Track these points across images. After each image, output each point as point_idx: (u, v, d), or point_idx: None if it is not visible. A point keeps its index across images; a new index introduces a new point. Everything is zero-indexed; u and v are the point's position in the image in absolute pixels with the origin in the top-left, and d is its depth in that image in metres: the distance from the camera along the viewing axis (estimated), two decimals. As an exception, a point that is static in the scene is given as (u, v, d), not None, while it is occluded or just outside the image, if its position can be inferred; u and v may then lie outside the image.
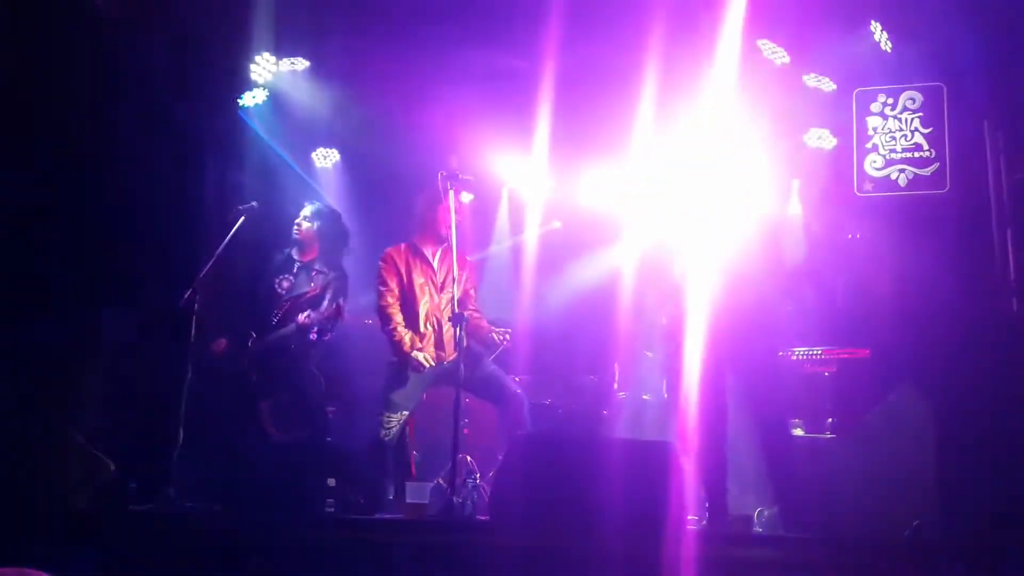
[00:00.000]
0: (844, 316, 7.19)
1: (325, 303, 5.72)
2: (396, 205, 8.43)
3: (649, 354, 6.96)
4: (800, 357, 6.56)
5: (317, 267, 5.83)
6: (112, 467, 5.23)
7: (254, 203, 6.12)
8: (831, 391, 6.31)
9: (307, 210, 5.88)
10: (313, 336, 5.67)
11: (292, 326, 5.60)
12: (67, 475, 4.92)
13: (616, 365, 7.23)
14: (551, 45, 6.77)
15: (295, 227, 5.82)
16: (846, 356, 6.49)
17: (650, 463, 4.13)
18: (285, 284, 5.80)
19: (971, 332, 4.98)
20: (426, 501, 4.43)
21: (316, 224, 5.82)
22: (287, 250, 5.88)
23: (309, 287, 5.78)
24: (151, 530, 4.30)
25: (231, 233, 6.05)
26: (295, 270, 5.82)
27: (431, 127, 7.50)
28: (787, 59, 6.73)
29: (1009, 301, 5.53)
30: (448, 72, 7.28)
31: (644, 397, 6.84)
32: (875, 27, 6.30)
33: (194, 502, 5.45)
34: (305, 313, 5.59)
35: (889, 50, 6.34)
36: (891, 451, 3.87)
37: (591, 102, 7.17)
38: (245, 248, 6.42)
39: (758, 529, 4.87)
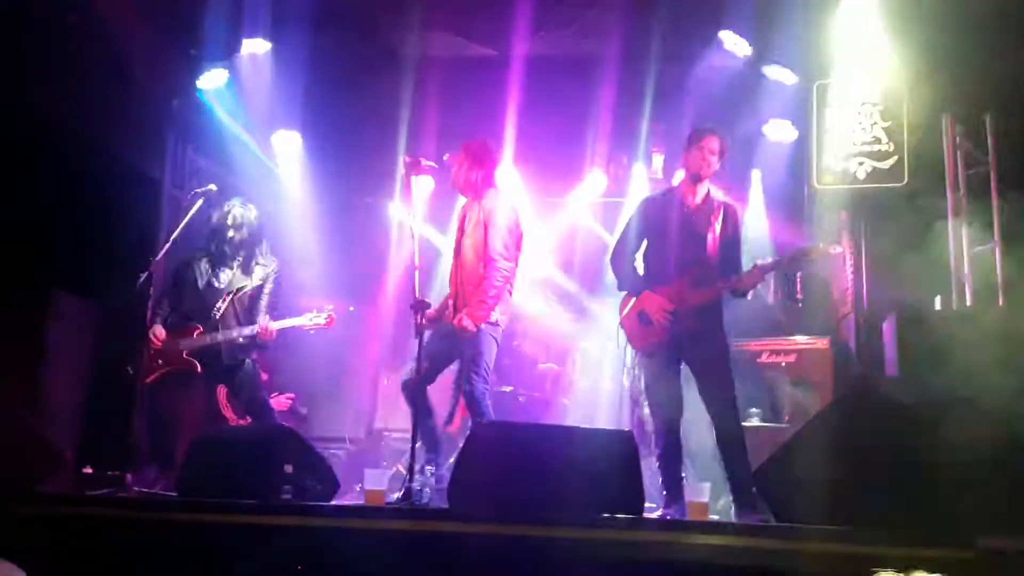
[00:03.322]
0: (802, 307, 7.28)
1: (267, 302, 5.69)
2: (357, 187, 8.45)
3: (609, 343, 6.99)
4: (760, 348, 6.63)
5: (255, 258, 5.78)
6: (67, 452, 5.17)
7: (212, 186, 6.06)
8: (789, 381, 6.38)
9: (238, 201, 5.83)
10: (272, 337, 5.62)
11: (252, 326, 5.54)
12: (22, 461, 4.84)
13: (577, 354, 7.26)
14: (518, 33, 6.76)
15: (230, 218, 5.75)
16: (804, 346, 6.57)
17: (608, 452, 4.15)
18: (223, 277, 5.73)
19: (925, 324, 5.05)
20: (384, 488, 4.41)
21: (252, 214, 5.79)
22: (221, 241, 5.79)
23: (249, 279, 5.74)
24: (106, 516, 4.24)
25: (188, 216, 6.00)
26: (232, 262, 5.75)
27: (395, 111, 7.46)
28: (749, 51, 6.76)
29: (963, 294, 5.63)
30: (413, 56, 7.25)
31: (604, 386, 6.87)
32: (836, 20, 6.34)
33: (150, 487, 5.41)
34: (279, 323, 5.56)
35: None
36: (846, 440, 3.91)
37: (555, 91, 7.16)
38: (202, 232, 6.37)
39: (714, 516, 4.93)
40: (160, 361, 5.59)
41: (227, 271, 5.75)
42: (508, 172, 8.08)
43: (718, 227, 4.93)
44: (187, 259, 5.87)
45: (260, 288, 5.74)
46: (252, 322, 5.62)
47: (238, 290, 5.70)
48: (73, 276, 5.79)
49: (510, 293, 5.26)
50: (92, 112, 6.07)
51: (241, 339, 5.59)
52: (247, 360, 5.74)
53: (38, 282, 5.52)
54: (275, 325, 5.56)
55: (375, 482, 4.38)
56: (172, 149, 7.09)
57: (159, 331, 5.63)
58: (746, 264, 4.98)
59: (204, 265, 5.75)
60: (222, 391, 5.67)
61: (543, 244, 8.08)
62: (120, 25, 6.14)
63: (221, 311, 5.67)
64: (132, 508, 4.40)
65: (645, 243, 5.06)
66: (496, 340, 5.16)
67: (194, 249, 5.92)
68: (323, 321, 5.57)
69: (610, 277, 5.33)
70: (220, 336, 5.57)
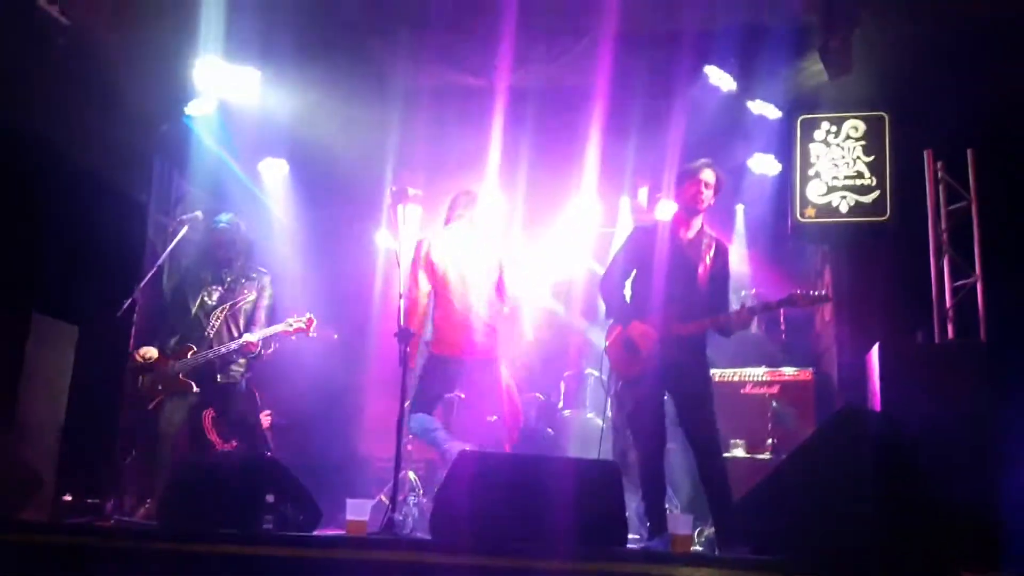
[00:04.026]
0: (785, 338, 7.32)
1: (263, 315, 5.72)
2: (344, 215, 8.46)
3: (595, 373, 7.00)
4: (743, 379, 6.65)
5: (247, 272, 5.79)
6: (45, 478, 5.12)
7: (198, 213, 6.07)
8: (772, 412, 6.40)
9: (224, 218, 5.85)
10: (256, 349, 5.62)
11: (238, 340, 5.55)
12: (3, 487, 4.80)
13: (562, 383, 7.26)
14: (507, 64, 6.81)
15: (219, 234, 5.77)
16: (788, 378, 6.60)
17: (592, 482, 4.15)
18: (215, 295, 5.73)
19: (908, 356, 5.08)
20: (366, 518, 4.39)
21: (237, 231, 5.81)
22: (211, 259, 5.81)
23: (242, 294, 5.74)
24: (84, 544, 4.19)
25: (173, 243, 6.00)
26: (225, 280, 5.76)
27: (382, 140, 7.49)
28: (733, 85, 6.83)
29: (945, 327, 5.67)
30: (402, 85, 7.29)
31: (588, 416, 6.87)
32: (818, 57, 6.42)
33: (129, 515, 5.36)
34: (258, 333, 5.57)
35: (828, 80, 6.47)
36: (828, 473, 3.93)
37: (542, 123, 7.22)
38: (188, 258, 6.37)
39: (698, 548, 4.92)
40: (160, 387, 5.58)
41: (219, 288, 5.75)
42: (493, 202, 8.11)
43: (709, 262, 4.93)
44: (179, 283, 5.87)
45: (256, 302, 5.75)
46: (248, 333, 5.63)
47: (231, 305, 5.70)
48: (55, 300, 5.75)
49: (429, 321, 5.42)
50: (79, 135, 6.06)
51: (233, 354, 5.59)
52: (242, 382, 5.72)
53: (19, 305, 5.48)
54: (254, 336, 5.55)
55: (357, 512, 4.36)
56: (159, 175, 7.09)
57: (149, 351, 5.61)
58: (731, 299, 5.00)
59: (196, 286, 5.75)
60: (208, 415, 5.65)
61: (531, 272, 8.10)
62: (109, 49, 6.15)
63: (215, 328, 5.66)
64: (111, 537, 4.35)
65: (635, 272, 5.07)
66: (423, 371, 5.37)
67: (185, 271, 5.93)
68: (303, 324, 5.59)
69: (602, 305, 5.35)
70: (211, 353, 5.56)
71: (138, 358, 5.61)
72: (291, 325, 5.57)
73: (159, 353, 5.65)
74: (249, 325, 5.69)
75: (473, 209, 5.61)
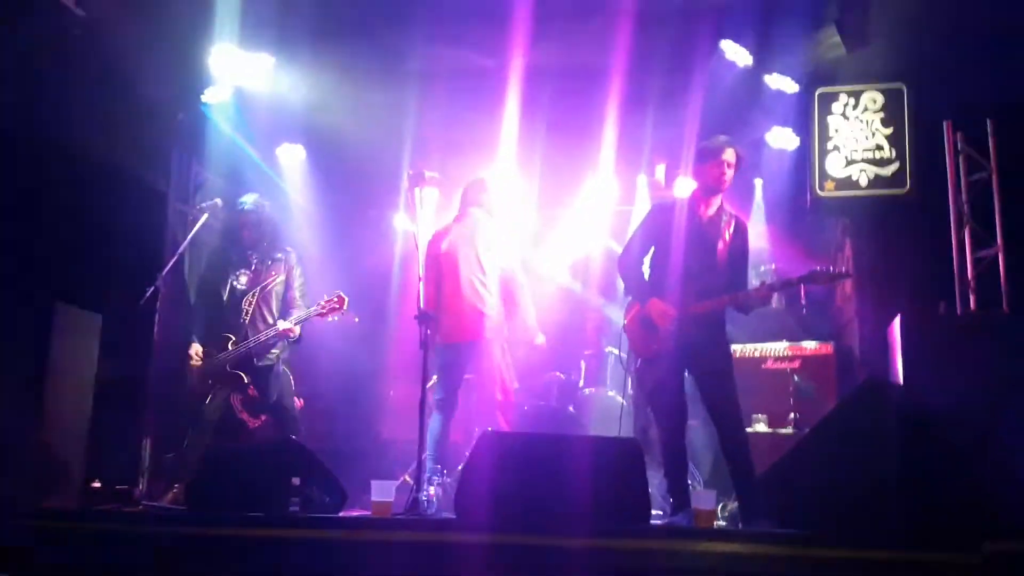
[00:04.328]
0: (806, 312, 7.29)
1: (297, 295, 5.76)
2: (362, 199, 8.49)
3: (614, 351, 7.00)
4: (764, 354, 6.64)
5: (273, 252, 5.82)
6: (73, 467, 5.20)
7: (218, 200, 6.10)
8: (794, 386, 6.38)
9: (249, 199, 5.86)
10: (294, 335, 5.66)
11: (275, 328, 5.58)
12: (32, 475, 4.87)
13: (583, 362, 7.27)
14: (522, 45, 6.79)
15: (243, 218, 5.79)
16: (809, 352, 6.58)
17: (615, 460, 4.17)
18: (244, 279, 5.75)
19: (930, 328, 5.05)
20: (391, 499, 4.43)
21: (263, 211, 5.83)
22: (237, 242, 5.85)
23: (271, 275, 5.76)
24: (113, 530, 4.26)
25: (194, 230, 6.03)
26: (252, 262, 5.78)
27: (399, 123, 7.49)
28: (750, 60, 6.78)
29: (967, 299, 5.64)
30: (417, 69, 7.28)
31: (609, 394, 6.88)
32: (835, 29, 6.36)
33: (159, 501, 5.43)
34: (294, 318, 5.60)
35: (846, 53, 6.41)
36: (850, 446, 3.93)
37: (558, 103, 7.20)
38: (209, 246, 6.39)
39: (721, 523, 4.94)
40: (210, 381, 5.65)
41: (247, 272, 5.76)
42: (508, 185, 8.12)
43: (728, 239, 4.92)
44: (206, 272, 5.91)
45: (287, 282, 5.78)
46: (285, 316, 5.67)
47: (261, 288, 5.73)
48: (78, 289, 5.81)
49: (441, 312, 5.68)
50: (97, 126, 6.10)
51: (272, 339, 5.63)
52: (279, 364, 5.77)
53: (42, 295, 5.55)
54: (290, 323, 5.59)
55: (382, 493, 4.40)
56: (177, 163, 7.13)
57: (196, 349, 5.68)
58: (750, 275, 4.98)
59: (224, 271, 5.78)
60: (236, 399, 5.71)
61: (550, 252, 8.11)
62: (124, 39, 6.18)
63: (249, 314, 5.69)
64: (138, 522, 4.41)
65: (653, 250, 5.06)
66: (439, 364, 5.77)
67: (210, 259, 5.96)
68: (336, 303, 5.58)
69: (620, 283, 5.37)
70: (252, 342, 5.61)
71: (195, 360, 5.67)
72: (323, 307, 5.58)
73: (203, 348, 5.71)
74: (286, 308, 5.73)
75: (486, 195, 5.83)
